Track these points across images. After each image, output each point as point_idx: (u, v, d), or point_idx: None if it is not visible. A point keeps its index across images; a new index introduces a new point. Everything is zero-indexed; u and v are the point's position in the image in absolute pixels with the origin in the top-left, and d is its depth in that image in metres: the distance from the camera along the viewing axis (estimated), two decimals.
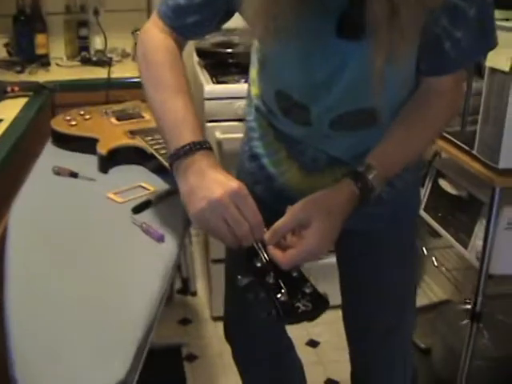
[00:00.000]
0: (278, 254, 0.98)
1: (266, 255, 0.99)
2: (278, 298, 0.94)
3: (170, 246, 1.13)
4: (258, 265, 0.99)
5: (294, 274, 0.98)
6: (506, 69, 1.50)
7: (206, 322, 2.57)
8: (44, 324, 0.93)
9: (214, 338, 2.45)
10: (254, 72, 1.36)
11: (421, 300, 2.22)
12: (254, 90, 1.36)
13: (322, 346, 2.43)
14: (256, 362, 1.60)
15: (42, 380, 0.84)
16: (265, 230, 1.02)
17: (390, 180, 1.16)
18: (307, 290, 0.96)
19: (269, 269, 0.98)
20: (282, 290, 0.95)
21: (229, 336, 1.60)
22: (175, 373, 2.23)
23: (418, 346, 2.15)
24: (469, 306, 2.06)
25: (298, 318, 0.94)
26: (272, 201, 1.30)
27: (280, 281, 0.96)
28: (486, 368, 1.88)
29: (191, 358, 2.36)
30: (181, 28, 1.16)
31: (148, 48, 1.16)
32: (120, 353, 0.87)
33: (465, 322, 2.02)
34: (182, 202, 1.03)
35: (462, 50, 1.05)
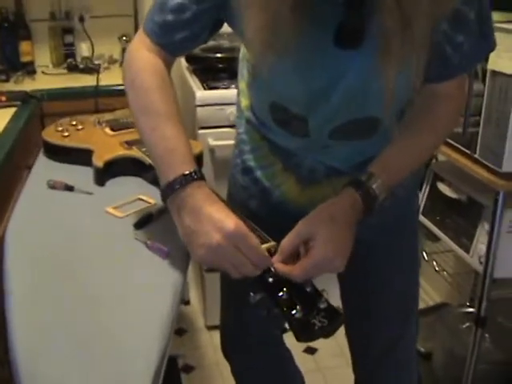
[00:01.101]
0: (288, 268, 0.96)
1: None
2: (293, 315, 0.91)
3: (176, 261, 1.09)
4: (270, 280, 0.96)
5: (308, 289, 0.95)
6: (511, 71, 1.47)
7: (201, 331, 2.53)
8: (50, 350, 0.88)
9: (210, 347, 2.41)
10: (243, 83, 1.32)
11: None
12: (244, 102, 1.32)
13: (320, 352, 2.40)
14: (257, 376, 1.57)
15: None
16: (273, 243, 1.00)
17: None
18: (322, 306, 0.93)
19: (281, 284, 0.95)
20: (297, 307, 0.92)
21: (227, 351, 1.56)
22: None
23: (418, 350, 2.13)
24: (469, 310, 2.05)
25: (314, 334, 0.91)
26: (268, 215, 1.27)
27: (294, 296, 0.93)
28: (489, 372, 1.87)
29: (188, 369, 2.32)
30: (169, 45, 1.10)
31: (135, 70, 1.10)
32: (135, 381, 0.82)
33: (465, 325, 2.01)
34: (182, 241, 1.01)
35: (465, 53, 1.04)
